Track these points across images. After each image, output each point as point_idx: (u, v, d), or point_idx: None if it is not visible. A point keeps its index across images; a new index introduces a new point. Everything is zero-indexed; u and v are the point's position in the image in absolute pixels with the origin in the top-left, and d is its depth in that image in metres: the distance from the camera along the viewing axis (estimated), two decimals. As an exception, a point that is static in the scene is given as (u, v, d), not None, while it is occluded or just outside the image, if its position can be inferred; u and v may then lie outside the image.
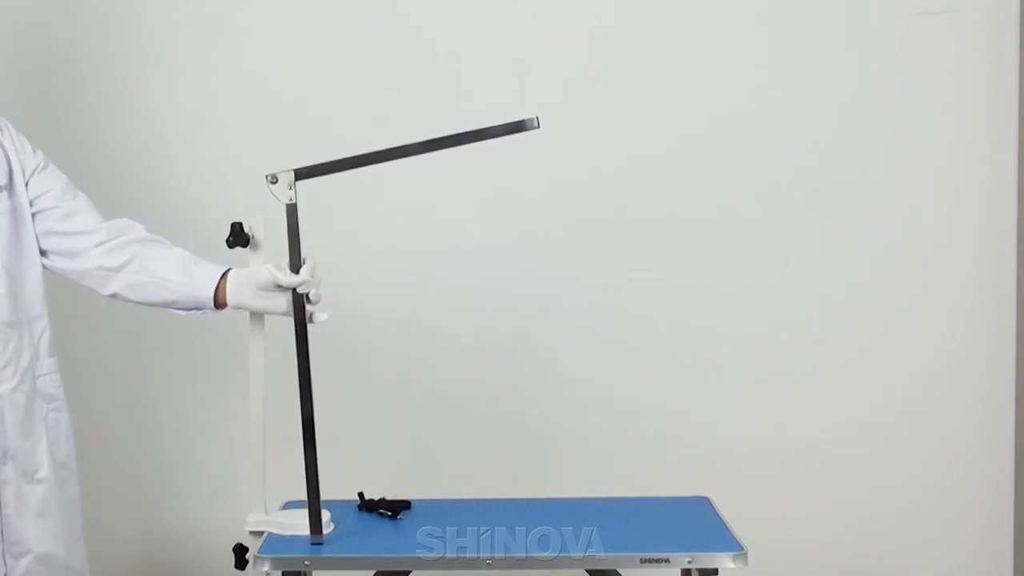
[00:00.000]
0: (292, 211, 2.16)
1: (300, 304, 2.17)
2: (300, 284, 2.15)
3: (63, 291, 2.42)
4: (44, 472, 2.20)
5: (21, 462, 2.17)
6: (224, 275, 2.19)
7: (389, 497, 2.41)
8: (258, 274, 2.16)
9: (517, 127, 2.14)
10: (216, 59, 3.12)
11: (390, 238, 3.13)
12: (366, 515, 2.38)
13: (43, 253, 2.23)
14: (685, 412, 3.15)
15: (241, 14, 3.10)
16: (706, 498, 2.49)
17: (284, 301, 2.17)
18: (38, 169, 2.24)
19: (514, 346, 3.15)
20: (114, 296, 2.24)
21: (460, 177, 3.06)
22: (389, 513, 2.36)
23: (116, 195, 3.04)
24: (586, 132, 3.09)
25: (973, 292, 3.13)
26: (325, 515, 2.27)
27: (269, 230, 2.21)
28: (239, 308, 2.19)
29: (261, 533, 2.24)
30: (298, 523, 2.24)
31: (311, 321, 2.19)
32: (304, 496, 2.20)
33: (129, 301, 2.25)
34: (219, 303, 2.20)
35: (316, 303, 2.19)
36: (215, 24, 3.10)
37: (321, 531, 2.19)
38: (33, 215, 2.22)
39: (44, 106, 3.07)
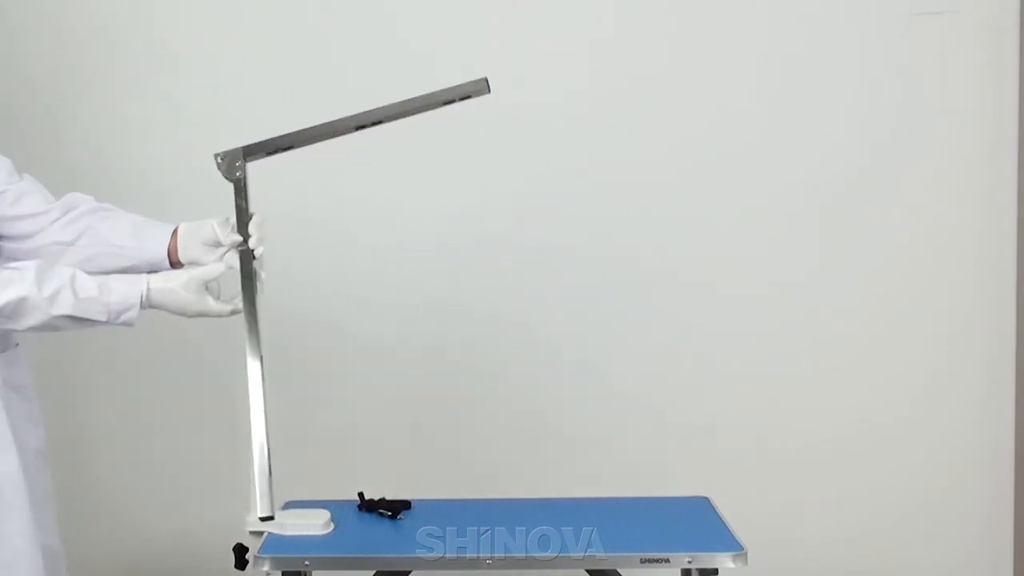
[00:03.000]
0: (238, 185, 2.13)
1: (248, 264, 2.12)
2: (238, 243, 2.11)
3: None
4: (15, 464, 2.16)
5: None
6: (175, 232, 2.18)
7: (389, 497, 2.40)
8: (203, 228, 2.15)
9: (467, 91, 2.13)
10: (216, 59, 3.11)
11: (393, 236, 3.12)
12: (366, 515, 2.37)
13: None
14: (685, 412, 3.15)
15: (242, 14, 3.10)
16: (706, 498, 2.48)
17: (228, 257, 2.14)
18: None
19: (515, 346, 3.15)
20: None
21: (460, 178, 3.08)
22: (389, 513, 2.36)
23: (111, 196, 3.04)
24: (586, 131, 3.09)
25: (973, 292, 3.14)
26: (325, 515, 2.28)
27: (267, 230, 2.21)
28: (192, 263, 2.16)
29: (261, 533, 2.24)
30: (298, 523, 2.24)
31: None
32: (304, 496, 2.20)
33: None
34: (174, 262, 2.18)
35: (258, 260, 2.14)
36: (215, 24, 3.10)
37: (272, 510, 2.04)
38: None
39: (36, 106, 3.07)
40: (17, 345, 2.25)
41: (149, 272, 2.19)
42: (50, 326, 2.03)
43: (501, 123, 3.08)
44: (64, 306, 2.00)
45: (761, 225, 3.12)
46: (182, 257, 2.18)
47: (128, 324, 2.07)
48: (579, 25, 3.09)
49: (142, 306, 2.06)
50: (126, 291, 2.06)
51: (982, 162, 3.10)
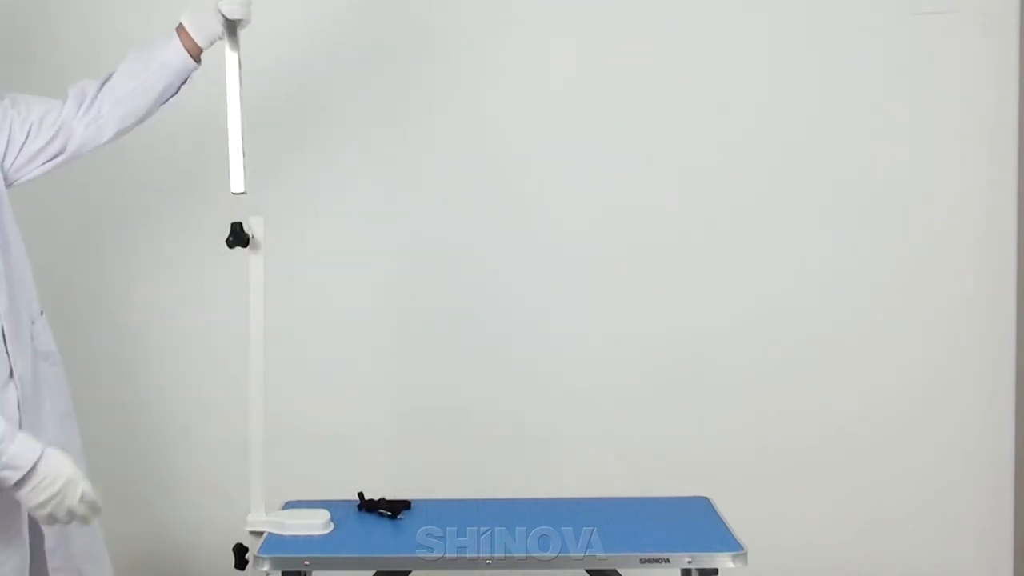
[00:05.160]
0: None
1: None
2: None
3: (56, 286, 2.40)
4: (52, 432, 2.15)
5: (33, 426, 2.12)
6: (180, 29, 2.22)
7: (389, 497, 2.41)
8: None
9: None
10: (219, 60, 3.10)
11: (395, 239, 3.12)
12: (366, 515, 2.38)
13: (37, 160, 2.20)
14: (685, 412, 3.15)
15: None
16: (706, 498, 2.49)
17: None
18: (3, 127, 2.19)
19: (515, 346, 3.14)
20: (115, 135, 2.25)
21: (469, 187, 3.09)
22: (389, 513, 2.36)
23: (117, 196, 3.06)
24: (582, 129, 3.09)
25: (973, 292, 3.13)
26: (325, 515, 2.28)
27: (269, 230, 2.21)
28: (211, 41, 2.22)
29: (261, 533, 2.24)
30: (298, 523, 2.25)
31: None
32: (304, 496, 2.19)
33: (130, 129, 2.26)
34: (195, 53, 2.23)
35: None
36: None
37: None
38: (20, 148, 2.18)
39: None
40: (42, 313, 2.25)
41: (181, 84, 2.26)
42: None
43: (501, 120, 3.09)
44: None
45: (760, 227, 3.11)
46: (200, 39, 2.22)
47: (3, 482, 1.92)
48: (582, 21, 3.09)
49: (35, 462, 1.91)
50: (26, 447, 1.92)
51: (982, 162, 3.10)
